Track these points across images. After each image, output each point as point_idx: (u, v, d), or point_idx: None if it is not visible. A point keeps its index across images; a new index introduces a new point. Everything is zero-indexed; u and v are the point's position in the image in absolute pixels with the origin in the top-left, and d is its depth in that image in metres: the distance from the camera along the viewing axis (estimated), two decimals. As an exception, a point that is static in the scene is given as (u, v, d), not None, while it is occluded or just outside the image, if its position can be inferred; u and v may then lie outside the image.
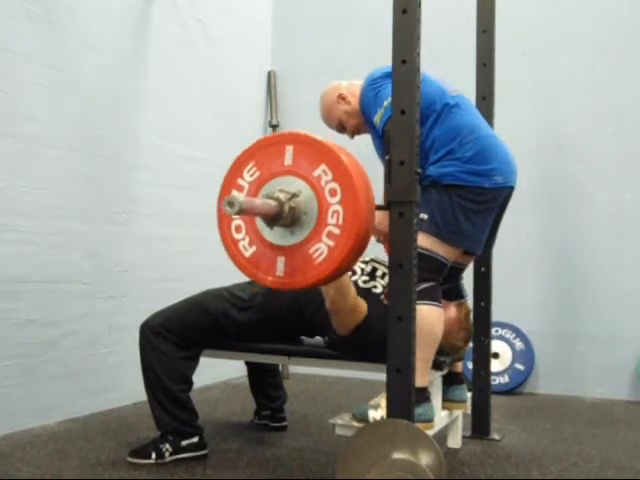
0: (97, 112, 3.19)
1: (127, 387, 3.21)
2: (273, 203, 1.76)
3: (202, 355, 2.51)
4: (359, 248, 1.82)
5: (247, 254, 1.89)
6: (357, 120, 2.53)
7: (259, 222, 1.86)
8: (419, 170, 1.90)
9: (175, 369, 2.40)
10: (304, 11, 4.67)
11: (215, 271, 3.74)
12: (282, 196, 1.78)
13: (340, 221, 1.77)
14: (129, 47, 3.41)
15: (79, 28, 3.07)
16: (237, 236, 1.91)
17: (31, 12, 2.82)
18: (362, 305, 2.27)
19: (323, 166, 1.79)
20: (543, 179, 3.97)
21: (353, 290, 2.23)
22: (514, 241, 3.84)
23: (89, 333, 3.12)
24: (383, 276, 2.41)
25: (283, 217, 1.78)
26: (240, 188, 1.90)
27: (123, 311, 3.28)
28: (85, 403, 3.07)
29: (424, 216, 2.23)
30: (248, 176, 1.89)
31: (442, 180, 2.27)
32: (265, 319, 2.47)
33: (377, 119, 2.32)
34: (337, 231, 1.77)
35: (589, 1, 3.96)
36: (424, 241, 2.19)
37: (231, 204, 1.63)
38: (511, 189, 2.40)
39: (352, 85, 2.54)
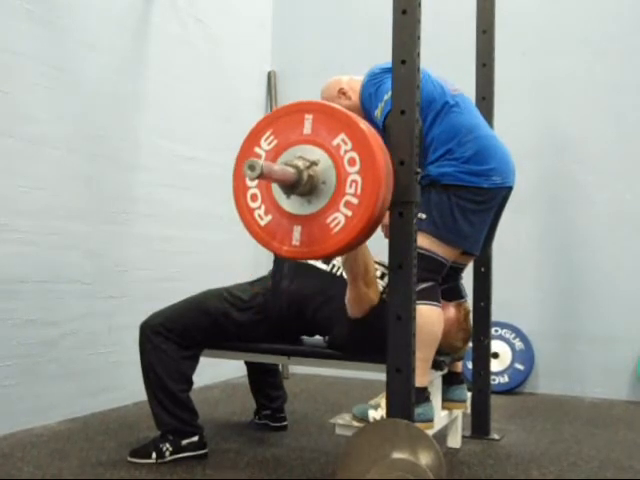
0: (97, 112, 3.19)
1: (127, 387, 3.21)
2: (292, 170, 1.74)
3: (202, 355, 2.51)
4: (377, 218, 1.80)
5: (263, 223, 1.87)
6: (357, 115, 2.52)
7: (276, 191, 1.84)
8: (419, 170, 1.90)
9: (176, 369, 2.41)
10: (304, 11, 4.67)
11: (215, 271, 3.76)
12: (301, 164, 1.76)
13: (358, 191, 1.74)
14: (129, 47, 3.41)
15: (79, 28, 3.07)
16: (253, 205, 1.88)
17: (31, 12, 2.82)
18: (377, 283, 2.27)
19: (342, 135, 1.77)
20: (543, 179, 3.97)
21: (372, 261, 2.23)
22: (514, 241, 3.85)
23: (89, 333, 3.12)
24: (382, 277, 2.41)
25: (301, 185, 1.76)
26: (257, 156, 1.86)
27: (123, 311, 3.28)
28: (85, 403, 3.08)
29: (422, 216, 2.23)
30: (266, 144, 1.87)
31: (441, 180, 2.28)
32: (265, 319, 2.47)
33: (378, 113, 2.31)
34: (355, 201, 1.75)
35: (589, 1, 3.96)
36: (423, 241, 2.19)
37: (252, 167, 1.61)
38: (509, 189, 2.41)
39: (352, 80, 2.54)
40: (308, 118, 1.82)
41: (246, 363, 2.88)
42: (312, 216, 1.80)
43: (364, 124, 1.80)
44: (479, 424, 2.86)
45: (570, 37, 3.96)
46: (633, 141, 3.81)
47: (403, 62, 1.87)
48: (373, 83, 2.37)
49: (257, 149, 1.88)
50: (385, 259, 1.98)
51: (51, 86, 2.93)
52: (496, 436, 2.84)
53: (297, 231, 1.82)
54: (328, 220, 1.78)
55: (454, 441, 2.68)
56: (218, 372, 3.94)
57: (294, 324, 2.49)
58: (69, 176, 3.02)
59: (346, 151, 1.77)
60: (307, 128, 1.82)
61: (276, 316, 2.46)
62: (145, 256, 3.47)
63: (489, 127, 2.53)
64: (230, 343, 2.50)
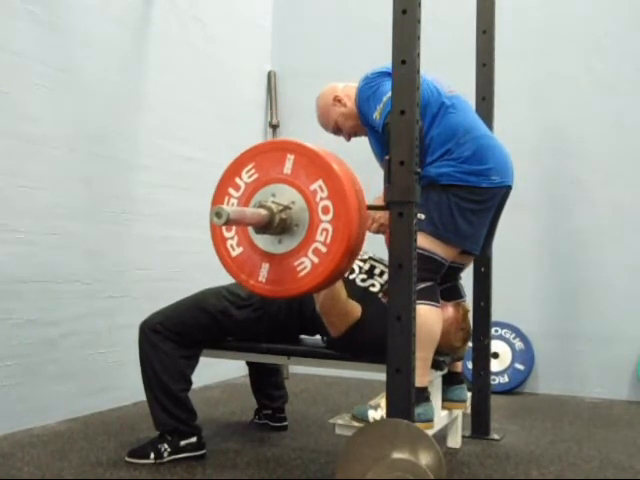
0: (97, 112, 3.19)
1: (127, 387, 3.21)
2: (264, 212, 1.78)
3: (202, 355, 2.51)
4: (342, 269, 1.85)
5: (234, 254, 1.92)
6: (353, 122, 2.52)
7: None
8: (419, 170, 1.90)
9: (174, 368, 2.40)
10: (304, 11, 4.67)
11: (215, 271, 3.71)
12: (274, 207, 1.79)
13: (328, 240, 1.78)
14: (129, 47, 3.41)
15: (79, 28, 3.07)
16: (227, 234, 1.94)
17: (31, 12, 2.82)
18: (354, 309, 2.27)
19: (320, 182, 1.80)
20: (543, 179, 3.97)
21: (344, 294, 2.23)
22: (514, 241, 3.84)
23: (89, 333, 3.12)
24: (381, 274, 2.41)
25: (273, 227, 1.80)
26: (237, 187, 1.91)
27: (123, 311, 3.28)
28: (85, 403, 3.08)
29: (422, 216, 2.23)
30: (246, 177, 1.90)
31: (440, 180, 2.28)
32: (264, 317, 2.47)
33: (377, 115, 2.31)
34: (324, 249, 1.78)
35: (589, 1, 3.96)
36: (422, 241, 2.19)
37: (219, 215, 1.65)
38: (508, 188, 2.41)
39: (348, 87, 2.53)
40: (290, 158, 1.85)
41: (247, 363, 2.88)
42: (281, 256, 1.84)
43: (343, 172, 1.82)
44: (479, 424, 2.86)
45: (570, 37, 3.96)
46: (633, 141, 3.81)
47: (403, 62, 1.87)
48: (370, 86, 2.37)
49: (238, 180, 1.92)
50: (385, 259, 1.98)
51: (51, 86, 2.93)
52: (496, 436, 2.84)
53: (265, 268, 1.87)
54: (295, 263, 1.82)
55: (454, 441, 2.68)
56: (218, 372, 3.94)
57: (293, 322, 2.49)
58: (69, 176, 3.02)
59: (322, 198, 1.80)
60: (287, 168, 1.85)
61: (275, 314, 2.46)
62: (145, 256, 3.47)
63: (486, 127, 2.53)
64: (230, 343, 2.50)
